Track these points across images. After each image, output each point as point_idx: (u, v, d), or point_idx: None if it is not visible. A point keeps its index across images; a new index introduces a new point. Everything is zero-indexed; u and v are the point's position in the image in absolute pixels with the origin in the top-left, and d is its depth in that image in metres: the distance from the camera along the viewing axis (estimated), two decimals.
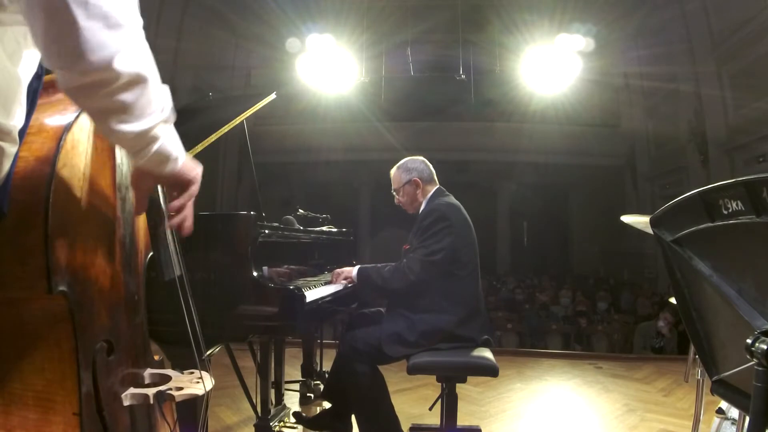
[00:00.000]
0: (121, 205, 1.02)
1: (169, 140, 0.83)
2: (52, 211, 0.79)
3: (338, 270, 2.32)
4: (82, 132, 0.91)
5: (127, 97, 0.70)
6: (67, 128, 0.86)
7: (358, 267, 2.26)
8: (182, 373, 1.09)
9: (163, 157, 0.83)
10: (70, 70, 0.66)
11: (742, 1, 7.10)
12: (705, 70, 8.15)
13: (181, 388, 1.01)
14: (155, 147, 0.79)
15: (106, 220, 0.93)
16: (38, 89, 0.84)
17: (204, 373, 1.07)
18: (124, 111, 0.72)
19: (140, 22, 0.72)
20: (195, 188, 0.94)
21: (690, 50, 8.41)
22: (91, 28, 0.64)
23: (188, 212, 0.94)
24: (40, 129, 0.85)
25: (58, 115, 0.88)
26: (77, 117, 0.89)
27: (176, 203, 0.93)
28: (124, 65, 0.67)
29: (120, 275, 0.98)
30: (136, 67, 0.70)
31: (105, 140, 0.97)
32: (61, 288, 0.81)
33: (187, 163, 0.91)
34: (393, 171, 2.36)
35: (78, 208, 0.86)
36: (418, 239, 2.16)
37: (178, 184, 0.92)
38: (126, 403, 0.95)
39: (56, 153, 0.82)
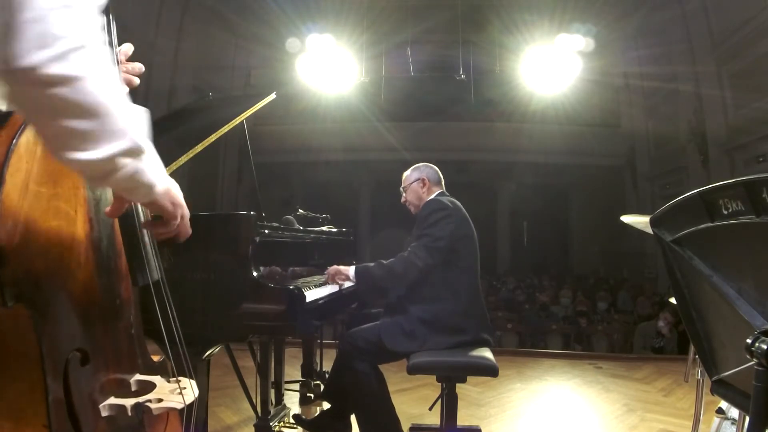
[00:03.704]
0: (94, 207, 0.95)
1: (145, 168, 0.77)
2: (1, 222, 0.74)
3: (333, 268, 2.29)
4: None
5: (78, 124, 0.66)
6: (20, 131, 0.79)
7: (354, 266, 2.24)
8: (168, 382, 1.04)
9: (135, 185, 0.78)
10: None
11: (742, 1, 7.09)
12: (705, 70, 8.14)
13: (160, 400, 0.96)
14: (119, 174, 0.73)
15: (72, 223, 0.88)
16: None
17: (187, 381, 1.03)
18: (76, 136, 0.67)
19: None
20: (175, 223, 0.89)
21: (690, 50, 8.40)
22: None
23: (176, 229, 0.90)
24: None
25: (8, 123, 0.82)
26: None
27: (159, 230, 0.91)
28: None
29: (94, 280, 0.94)
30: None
31: None
32: (18, 300, 0.76)
33: (170, 195, 0.86)
34: (406, 172, 2.47)
35: (35, 215, 0.80)
36: (420, 229, 2.19)
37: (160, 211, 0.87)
38: (104, 414, 0.92)
39: (5, 160, 0.76)
